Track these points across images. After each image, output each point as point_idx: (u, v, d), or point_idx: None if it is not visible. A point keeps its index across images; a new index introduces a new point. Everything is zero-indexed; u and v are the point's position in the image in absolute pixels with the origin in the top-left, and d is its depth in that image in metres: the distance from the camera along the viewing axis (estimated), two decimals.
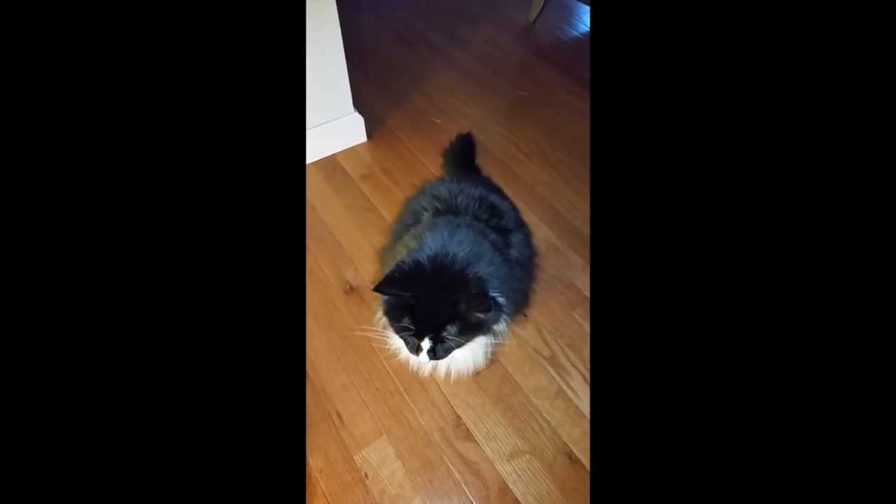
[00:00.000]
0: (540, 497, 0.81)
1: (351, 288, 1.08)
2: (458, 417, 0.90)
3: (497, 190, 0.86)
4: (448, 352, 0.72)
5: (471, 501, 0.81)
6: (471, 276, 0.66)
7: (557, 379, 0.94)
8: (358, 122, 1.35)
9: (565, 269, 1.11)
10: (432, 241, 0.68)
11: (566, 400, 0.92)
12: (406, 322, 0.68)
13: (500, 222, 0.75)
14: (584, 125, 1.46)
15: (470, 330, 0.68)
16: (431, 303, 0.66)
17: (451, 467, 0.84)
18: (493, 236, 0.73)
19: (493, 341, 0.77)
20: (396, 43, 1.78)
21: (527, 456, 0.85)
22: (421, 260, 0.67)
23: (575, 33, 1.83)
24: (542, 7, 1.79)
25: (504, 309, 0.71)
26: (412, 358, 0.84)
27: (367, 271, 1.10)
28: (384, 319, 0.80)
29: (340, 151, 1.36)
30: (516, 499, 0.81)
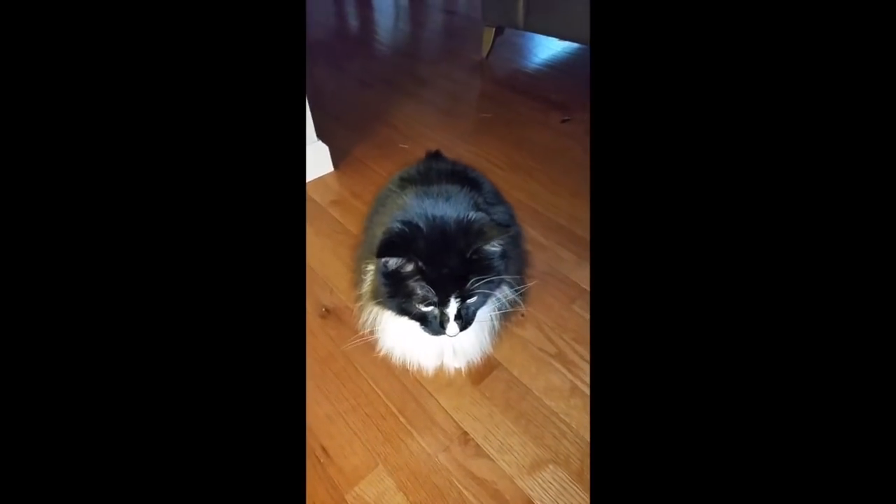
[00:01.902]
0: None
1: (327, 311, 0.97)
2: (465, 433, 0.77)
3: (471, 169, 0.81)
4: (475, 313, 0.62)
5: None
6: (467, 218, 0.58)
7: (569, 376, 0.84)
8: (323, 150, 1.31)
9: (557, 264, 1.04)
10: (414, 204, 0.61)
11: (583, 397, 0.81)
12: (423, 292, 0.58)
13: (477, 195, 0.69)
14: (551, 135, 1.47)
15: (490, 273, 0.59)
16: (444, 257, 0.57)
17: (464, 491, 0.70)
18: (474, 197, 0.66)
19: (499, 312, 0.68)
20: (357, 86, 1.82)
21: (551, 466, 0.72)
22: (412, 220, 0.59)
23: (529, 64, 1.92)
24: (493, 43, 1.88)
25: (510, 256, 0.63)
26: (416, 355, 0.73)
27: (344, 292, 1.00)
28: (375, 318, 0.69)
29: (307, 182, 1.31)
30: None
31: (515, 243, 0.73)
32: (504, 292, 0.66)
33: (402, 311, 0.61)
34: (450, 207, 0.61)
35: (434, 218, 0.59)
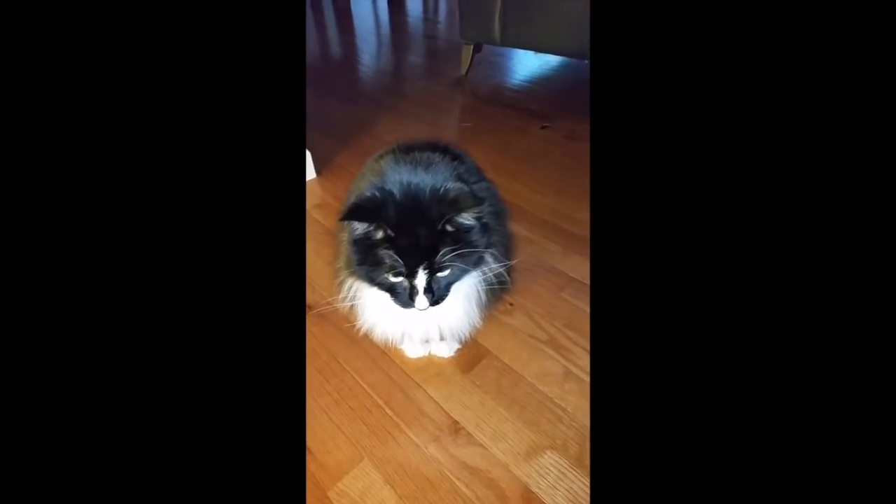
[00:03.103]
0: (574, 496, 0.63)
1: (309, 307, 0.93)
2: (455, 422, 0.73)
3: (452, 146, 0.80)
4: (448, 287, 0.59)
5: None
6: (444, 187, 0.57)
7: (562, 361, 0.81)
8: (305, 155, 1.30)
9: (544, 256, 1.03)
10: (391, 170, 0.59)
11: (578, 382, 0.77)
12: (390, 260, 0.55)
13: (460, 166, 0.68)
14: (531, 140, 1.49)
15: (465, 248, 0.56)
16: (415, 225, 0.54)
17: (456, 482, 0.65)
18: (456, 167, 0.64)
19: (485, 283, 0.65)
20: (340, 103, 1.84)
21: (548, 452, 0.68)
22: (386, 187, 0.57)
23: (508, 80, 1.97)
24: (472, 61, 1.94)
25: (491, 230, 0.61)
26: (399, 333, 0.69)
27: (326, 289, 0.97)
28: (355, 294, 0.66)
29: None
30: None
31: (500, 219, 0.71)
32: (489, 264, 0.63)
33: (372, 280, 0.58)
34: (428, 175, 0.59)
35: (409, 185, 0.58)
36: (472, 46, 1.89)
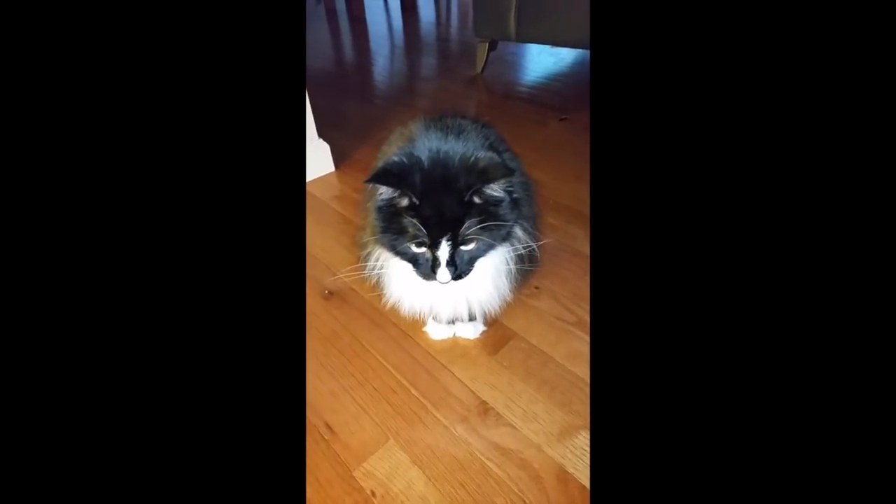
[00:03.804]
0: None
1: (330, 293, 0.92)
2: (484, 402, 0.70)
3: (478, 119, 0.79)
4: (472, 261, 0.57)
5: (523, 499, 0.58)
6: (474, 156, 0.55)
7: None
8: (324, 149, 1.30)
9: (568, 240, 1.01)
10: (421, 136, 0.58)
11: None
12: (414, 229, 0.53)
13: (490, 135, 0.66)
14: (550, 132, 1.48)
15: (492, 220, 0.54)
16: (441, 194, 0.52)
17: (487, 462, 0.63)
18: (487, 134, 0.63)
19: (514, 253, 0.62)
20: (357, 101, 1.85)
21: (583, 432, 0.65)
22: (415, 153, 0.55)
23: (523, 77, 1.96)
24: (487, 59, 1.94)
25: (521, 204, 0.59)
26: (426, 306, 0.67)
27: (347, 275, 0.96)
28: (382, 265, 0.65)
29: (309, 182, 1.29)
30: (582, 485, 0.59)
31: (529, 191, 0.69)
32: (519, 238, 0.61)
33: (394, 249, 0.57)
34: (459, 143, 0.58)
35: (438, 152, 0.56)
36: (487, 44, 1.89)
